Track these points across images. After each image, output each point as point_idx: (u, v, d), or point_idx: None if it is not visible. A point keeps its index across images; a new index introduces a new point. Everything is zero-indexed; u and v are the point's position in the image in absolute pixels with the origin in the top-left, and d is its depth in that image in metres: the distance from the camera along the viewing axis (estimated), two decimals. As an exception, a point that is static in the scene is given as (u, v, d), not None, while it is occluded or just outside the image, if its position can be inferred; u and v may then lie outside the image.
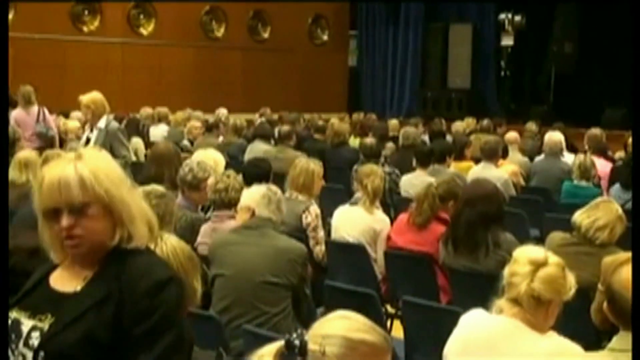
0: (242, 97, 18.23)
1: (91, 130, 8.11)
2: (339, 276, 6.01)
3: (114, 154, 7.86)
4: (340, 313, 2.45)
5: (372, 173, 6.39)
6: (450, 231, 5.49)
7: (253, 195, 4.96)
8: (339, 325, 2.34)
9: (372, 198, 6.36)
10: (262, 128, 11.58)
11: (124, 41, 17.34)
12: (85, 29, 16.96)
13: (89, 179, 2.32)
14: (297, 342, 2.20)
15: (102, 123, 8.05)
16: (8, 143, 7.35)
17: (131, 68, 17.09)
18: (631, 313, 2.54)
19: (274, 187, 5.10)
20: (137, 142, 10.84)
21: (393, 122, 14.23)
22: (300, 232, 5.97)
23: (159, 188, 4.79)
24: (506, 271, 3.23)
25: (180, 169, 6.10)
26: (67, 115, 12.66)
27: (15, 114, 11.42)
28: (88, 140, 8.05)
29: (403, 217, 6.18)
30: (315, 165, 6.53)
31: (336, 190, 8.58)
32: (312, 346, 2.21)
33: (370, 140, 9.56)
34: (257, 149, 10.45)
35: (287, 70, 19.41)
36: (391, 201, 8.25)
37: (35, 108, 11.65)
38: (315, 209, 6.25)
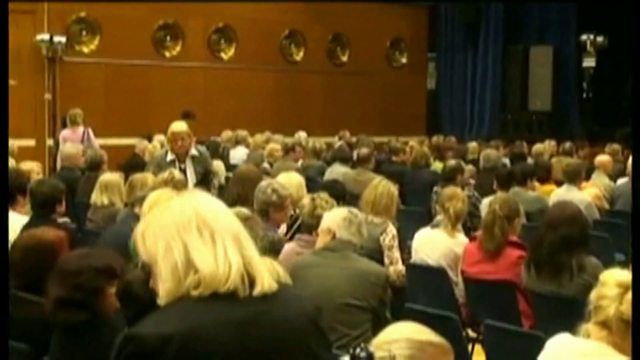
0: (321, 120, 18.32)
1: (179, 159, 8.05)
2: (418, 299, 5.97)
3: (211, 175, 8.02)
4: (401, 323, 2.48)
5: (455, 196, 6.35)
6: (532, 255, 5.41)
7: (334, 218, 4.96)
8: (403, 329, 2.37)
9: (454, 222, 6.31)
10: (341, 151, 11.61)
11: (205, 65, 17.59)
12: (167, 54, 17.26)
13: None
14: (363, 354, 2.20)
15: (194, 151, 8.12)
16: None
17: (212, 92, 17.32)
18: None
19: (355, 210, 5.09)
20: (218, 164, 10.95)
21: (472, 145, 14.12)
22: (377, 254, 5.95)
23: (244, 210, 4.85)
24: (593, 294, 3.17)
25: (261, 190, 6.14)
26: (150, 139, 12.87)
27: (63, 133, 13.06)
28: (181, 170, 8.01)
29: (471, 246, 6.10)
30: (392, 187, 6.53)
31: (415, 213, 8.54)
32: (380, 353, 2.23)
33: (452, 162, 9.49)
34: (336, 171, 10.48)
35: (365, 93, 19.44)
36: (471, 224, 8.17)
37: (80, 129, 13.10)
38: (392, 229, 6.23)
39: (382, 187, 6.49)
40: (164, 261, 2.21)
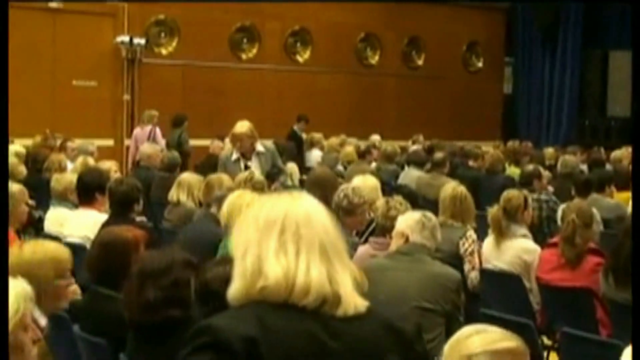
0: (395, 124, 18.27)
1: (244, 157, 8.22)
2: (492, 305, 5.91)
3: (279, 169, 8.13)
4: (470, 329, 2.43)
5: (512, 198, 6.31)
6: (611, 262, 5.32)
7: (407, 221, 4.94)
8: (478, 342, 2.33)
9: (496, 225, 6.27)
10: (416, 154, 11.56)
11: (280, 68, 17.69)
12: (244, 56, 17.41)
13: None
14: None
15: (260, 147, 8.30)
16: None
17: (286, 94, 17.40)
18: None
19: (428, 214, 5.06)
20: (292, 166, 11.00)
21: (550, 151, 13.93)
22: (455, 259, 5.90)
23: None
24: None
25: (335, 194, 6.14)
26: (223, 139, 12.98)
27: (135, 131, 14.16)
28: (246, 167, 8.16)
29: (547, 253, 6.00)
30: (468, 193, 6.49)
31: (480, 217, 8.45)
32: None
33: (529, 167, 9.37)
34: (410, 175, 10.44)
35: (440, 98, 19.33)
36: (548, 230, 8.06)
37: (149, 127, 13.93)
38: (472, 234, 6.18)
39: (462, 191, 6.45)
40: (240, 262, 2.17)
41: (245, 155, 8.22)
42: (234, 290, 2.15)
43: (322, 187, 6.80)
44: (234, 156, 8.24)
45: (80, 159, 9.07)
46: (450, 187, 6.53)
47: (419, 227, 4.85)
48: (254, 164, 8.20)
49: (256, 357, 2.03)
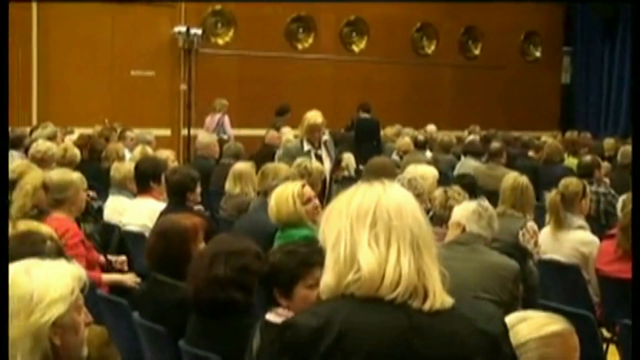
0: (451, 114, 18.16)
1: (314, 145, 8.20)
2: (550, 296, 5.85)
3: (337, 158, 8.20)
4: (513, 318, 2.39)
5: (570, 185, 6.25)
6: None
7: (463, 211, 4.90)
8: (525, 329, 2.30)
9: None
10: (473, 145, 11.48)
11: (336, 58, 17.69)
12: (299, 46, 17.44)
13: None
14: None
15: (325, 136, 8.34)
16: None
17: (342, 84, 17.39)
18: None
19: (485, 204, 5.03)
20: (348, 157, 11.00)
21: (609, 141, 13.72)
22: (514, 249, 5.85)
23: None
24: None
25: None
26: (279, 129, 13.02)
27: (207, 119, 14.75)
28: (317, 156, 8.16)
29: (607, 245, 5.92)
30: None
31: (538, 208, 8.36)
32: None
33: (588, 158, 9.24)
34: (467, 165, 10.37)
35: (497, 88, 19.16)
36: (606, 222, 7.95)
37: (218, 116, 14.46)
38: (532, 225, 6.12)
39: (523, 181, 6.39)
40: (332, 252, 2.13)
41: (314, 144, 8.20)
42: (327, 280, 2.13)
43: (377, 176, 6.78)
44: (306, 147, 8.19)
45: (139, 148, 9.16)
46: (512, 177, 6.47)
47: (475, 217, 4.82)
48: (323, 153, 8.19)
49: (341, 354, 2.02)
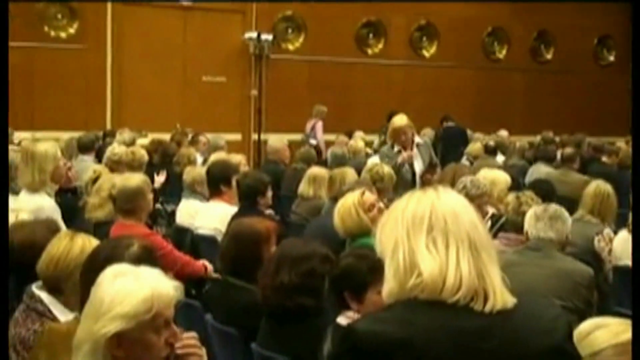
0: (523, 119, 17.97)
1: (404, 148, 8.21)
2: (624, 303, 5.74)
3: (435, 162, 8.22)
4: (587, 326, 2.36)
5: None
6: None
7: (533, 217, 4.85)
8: (602, 337, 2.26)
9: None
10: (545, 150, 11.34)
11: (406, 63, 17.64)
12: (369, 51, 17.44)
13: None
14: None
15: (419, 139, 8.36)
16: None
17: (412, 89, 17.34)
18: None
19: (554, 206, 4.95)
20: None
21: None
22: (588, 255, 5.77)
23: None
24: None
25: (455, 185, 6.14)
26: (350, 135, 13.04)
27: (307, 124, 14.90)
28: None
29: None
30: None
31: (621, 215, 8.22)
32: None
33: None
34: (539, 171, 10.25)
35: (570, 92, 18.89)
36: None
37: (313, 121, 14.70)
38: (609, 232, 6.04)
39: (606, 189, 6.34)
40: (391, 261, 2.13)
41: (406, 147, 8.22)
42: (389, 289, 2.13)
43: (452, 178, 6.76)
44: (396, 148, 8.24)
45: (214, 155, 9.23)
46: (595, 184, 6.47)
47: (532, 220, 4.76)
48: (415, 157, 8.20)
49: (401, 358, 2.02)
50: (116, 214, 5.87)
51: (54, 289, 3.50)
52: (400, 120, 8.29)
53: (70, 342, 2.48)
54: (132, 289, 2.38)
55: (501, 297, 2.09)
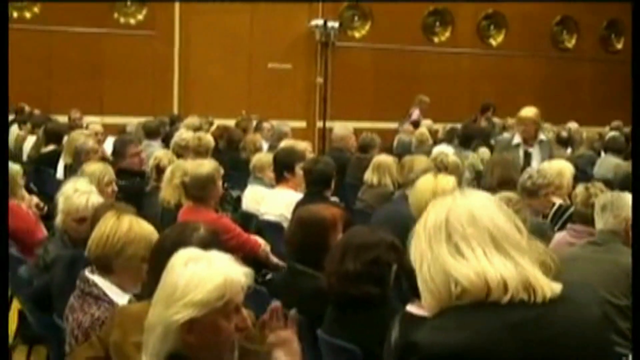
0: (592, 109, 17.68)
1: (527, 142, 8.10)
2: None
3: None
4: None
5: None
6: None
7: (596, 209, 4.74)
8: None
9: None
10: (614, 141, 11.14)
11: (473, 52, 17.49)
12: (436, 39, 17.32)
13: None
14: None
15: (542, 136, 8.24)
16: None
17: (479, 78, 17.18)
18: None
19: (616, 194, 4.82)
20: (484, 151, 10.85)
21: None
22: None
23: (509, 194, 4.78)
24: None
25: (521, 176, 6.08)
26: (416, 124, 12.98)
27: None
28: (526, 154, 8.09)
29: None
30: None
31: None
32: None
33: None
34: (608, 162, 10.07)
35: (640, 83, 18.52)
36: None
37: (414, 110, 14.72)
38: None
39: None
40: (420, 274, 2.13)
41: (528, 141, 8.10)
42: (427, 303, 2.13)
43: (505, 168, 6.68)
44: (516, 140, 8.14)
45: (282, 143, 9.26)
46: None
47: (598, 211, 4.63)
48: (534, 152, 8.09)
49: None
50: (186, 200, 5.94)
51: (104, 268, 3.55)
52: (526, 112, 8.19)
53: (141, 323, 2.51)
54: (205, 276, 2.39)
55: (548, 286, 2.08)
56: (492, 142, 12.54)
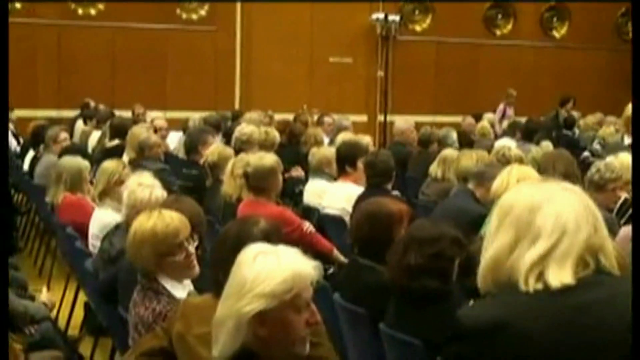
0: (657, 102, 17.36)
1: None
2: None
3: None
4: None
5: None
6: None
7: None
8: None
9: None
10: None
11: (535, 44, 17.29)
12: (498, 32, 17.16)
13: None
14: None
15: None
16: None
17: (542, 71, 16.99)
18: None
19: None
20: (546, 145, 10.73)
21: None
22: None
23: (577, 189, 4.71)
24: None
25: (589, 170, 5.98)
26: (478, 117, 12.87)
27: None
28: None
29: None
30: None
31: None
32: None
33: None
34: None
35: None
36: None
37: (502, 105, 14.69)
38: None
39: None
40: (484, 254, 2.19)
41: None
42: (483, 280, 2.18)
43: (565, 163, 6.59)
44: (627, 141, 7.93)
45: (341, 135, 9.28)
46: None
47: None
48: None
49: (506, 339, 2.06)
50: (248, 192, 5.99)
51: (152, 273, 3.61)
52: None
53: (203, 315, 2.54)
54: (273, 269, 2.41)
55: (611, 261, 2.15)
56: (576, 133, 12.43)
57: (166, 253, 3.55)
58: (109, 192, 5.70)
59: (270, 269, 2.41)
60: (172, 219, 3.65)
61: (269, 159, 6.09)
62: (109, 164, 6.01)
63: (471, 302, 3.28)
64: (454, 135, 9.39)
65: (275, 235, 3.10)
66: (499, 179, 5.01)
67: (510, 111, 14.37)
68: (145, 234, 3.59)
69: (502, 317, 2.07)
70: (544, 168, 6.14)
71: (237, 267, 2.47)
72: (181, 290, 3.57)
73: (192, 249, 3.64)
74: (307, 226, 6.04)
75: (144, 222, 3.63)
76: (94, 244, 5.46)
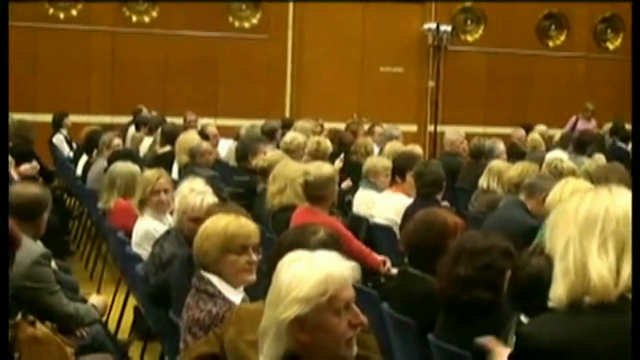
0: None
1: None
2: None
3: None
4: None
5: None
6: None
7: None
8: None
9: None
10: None
11: (589, 55, 17.10)
12: (551, 43, 17.01)
13: None
14: None
15: None
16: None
17: (595, 82, 16.79)
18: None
19: None
20: (599, 157, 10.60)
21: None
22: None
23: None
24: None
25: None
26: (529, 129, 12.76)
27: None
28: None
29: None
30: None
31: None
32: None
33: None
34: None
35: None
36: None
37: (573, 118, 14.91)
38: None
39: None
40: (560, 262, 2.13)
41: None
42: (558, 292, 2.13)
43: (619, 174, 6.51)
44: None
45: (389, 144, 9.27)
46: None
47: None
48: None
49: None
50: (303, 201, 6.02)
51: (205, 269, 3.64)
52: None
53: (256, 322, 2.55)
54: (306, 273, 2.41)
55: None
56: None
57: (230, 250, 3.60)
58: (146, 201, 5.77)
59: (302, 273, 2.41)
60: (247, 223, 3.73)
61: (329, 168, 6.16)
62: (145, 174, 6.09)
63: (522, 317, 3.27)
64: (500, 146, 9.32)
65: (334, 245, 3.09)
66: (553, 192, 4.96)
67: (583, 125, 14.20)
68: (216, 229, 3.64)
69: (570, 338, 2.04)
70: (597, 180, 6.07)
71: (275, 276, 2.47)
72: (235, 295, 3.59)
73: (255, 257, 3.66)
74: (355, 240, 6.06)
75: (218, 220, 3.70)
76: (136, 251, 5.53)
